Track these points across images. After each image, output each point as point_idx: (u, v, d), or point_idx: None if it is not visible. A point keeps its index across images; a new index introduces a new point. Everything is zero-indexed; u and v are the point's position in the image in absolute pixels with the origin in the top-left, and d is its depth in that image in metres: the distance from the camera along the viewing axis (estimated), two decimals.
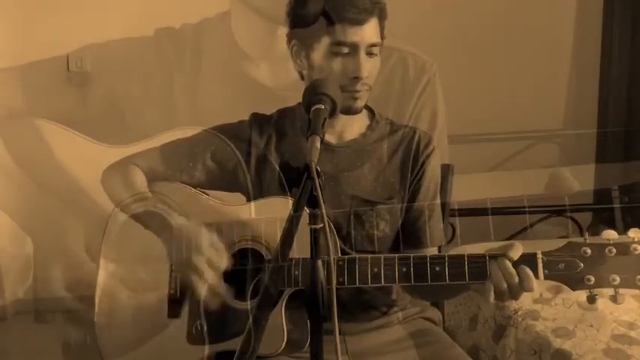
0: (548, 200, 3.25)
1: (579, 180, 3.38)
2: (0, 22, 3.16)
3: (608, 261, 1.42)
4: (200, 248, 1.65)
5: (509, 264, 1.47)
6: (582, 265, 1.44)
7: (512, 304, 2.44)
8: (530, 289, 1.46)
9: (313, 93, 1.48)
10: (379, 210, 1.75)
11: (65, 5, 3.18)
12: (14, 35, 3.17)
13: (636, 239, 1.42)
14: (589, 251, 1.43)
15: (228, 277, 1.69)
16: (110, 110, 3.24)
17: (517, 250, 1.47)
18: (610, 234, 1.43)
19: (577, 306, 2.40)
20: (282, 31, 1.79)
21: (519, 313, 2.40)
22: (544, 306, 2.42)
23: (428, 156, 1.80)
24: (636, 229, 1.42)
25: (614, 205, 3.23)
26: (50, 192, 3.24)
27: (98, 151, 3.12)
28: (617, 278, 1.41)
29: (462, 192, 2.13)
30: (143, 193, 1.80)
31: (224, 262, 1.65)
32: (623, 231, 1.44)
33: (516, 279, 1.46)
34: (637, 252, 1.41)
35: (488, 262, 1.49)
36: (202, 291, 1.65)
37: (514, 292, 1.47)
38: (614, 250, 1.42)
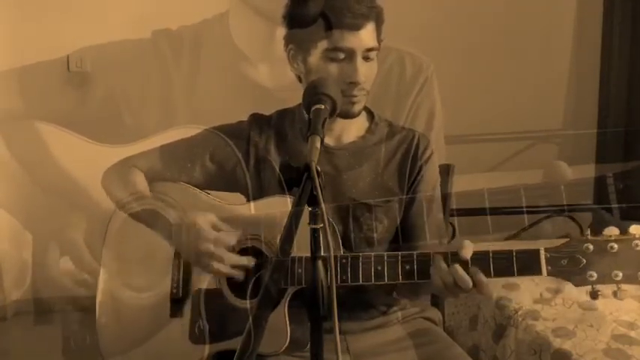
0: (547, 198, 3.25)
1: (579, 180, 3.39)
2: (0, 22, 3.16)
3: (610, 257, 1.43)
4: (203, 233, 1.65)
5: (441, 263, 1.50)
6: (585, 261, 1.44)
7: (513, 304, 2.44)
8: (483, 293, 1.50)
9: (313, 93, 1.46)
10: (377, 212, 1.74)
11: (65, 7, 3.19)
12: (14, 36, 3.17)
13: (637, 235, 1.42)
14: (591, 247, 1.44)
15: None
16: (109, 110, 3.24)
17: (467, 250, 1.49)
18: (612, 230, 1.44)
19: (577, 306, 2.39)
20: (281, 31, 1.78)
21: (519, 313, 2.40)
22: (544, 306, 2.42)
23: (427, 160, 1.78)
24: (637, 226, 1.43)
25: (613, 205, 3.22)
26: (51, 193, 3.24)
27: (97, 151, 3.12)
28: (620, 274, 1.42)
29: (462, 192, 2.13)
30: (142, 192, 1.80)
31: (232, 237, 1.66)
32: (620, 220, 1.45)
33: (450, 278, 1.48)
34: (638, 248, 1.42)
35: (491, 259, 1.49)
36: (223, 271, 1.65)
37: (452, 291, 1.50)
38: (616, 247, 1.43)
